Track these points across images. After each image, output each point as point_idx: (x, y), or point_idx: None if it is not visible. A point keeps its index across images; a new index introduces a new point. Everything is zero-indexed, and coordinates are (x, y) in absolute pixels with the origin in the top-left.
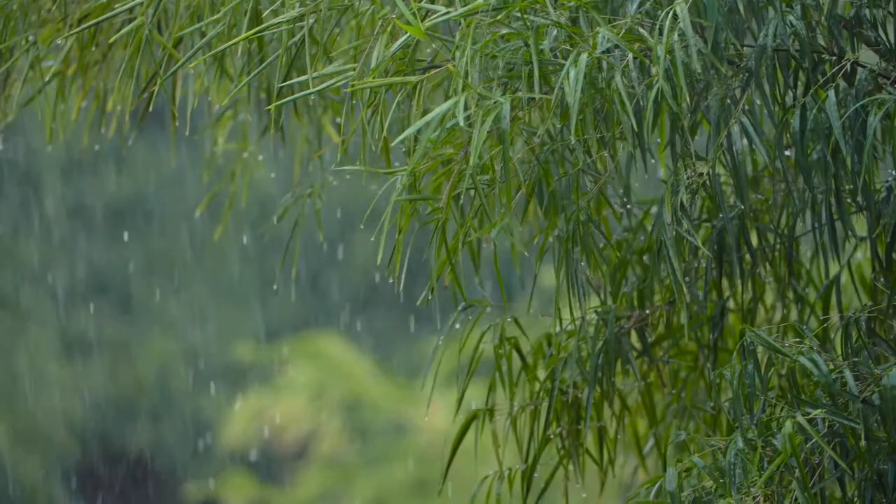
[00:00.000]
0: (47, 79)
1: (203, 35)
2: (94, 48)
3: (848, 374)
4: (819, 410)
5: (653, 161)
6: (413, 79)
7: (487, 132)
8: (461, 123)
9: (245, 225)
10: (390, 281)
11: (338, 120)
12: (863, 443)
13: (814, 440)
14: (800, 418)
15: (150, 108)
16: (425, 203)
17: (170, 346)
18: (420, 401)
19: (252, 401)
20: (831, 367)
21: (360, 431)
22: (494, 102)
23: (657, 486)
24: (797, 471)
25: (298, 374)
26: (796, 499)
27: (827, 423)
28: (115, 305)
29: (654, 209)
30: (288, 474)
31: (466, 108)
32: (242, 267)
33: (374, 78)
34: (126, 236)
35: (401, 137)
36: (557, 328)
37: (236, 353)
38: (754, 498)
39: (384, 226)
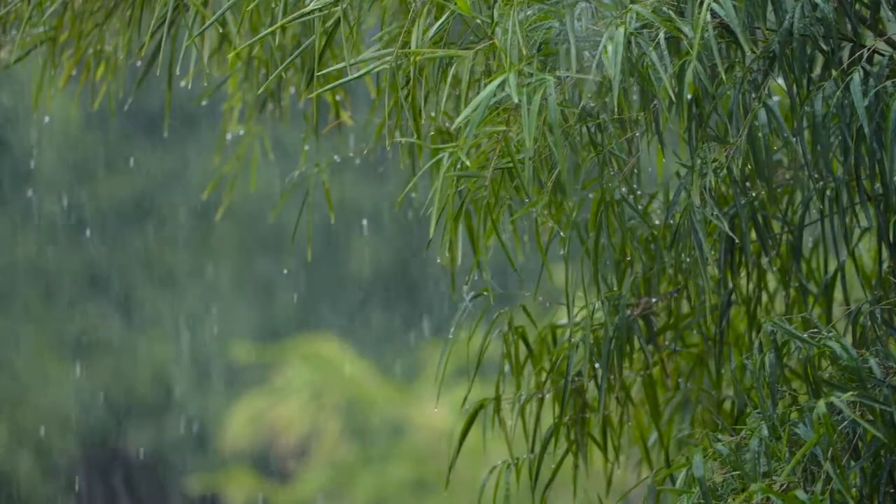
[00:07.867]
0: (36, 32)
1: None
2: (90, 14)
3: (872, 361)
4: (850, 393)
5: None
6: (465, 52)
7: (538, 108)
8: (515, 100)
9: (246, 223)
10: (438, 261)
11: (338, 97)
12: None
13: (844, 423)
14: (835, 399)
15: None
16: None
17: (169, 346)
18: (418, 400)
19: (251, 401)
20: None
21: (359, 431)
22: (539, 80)
23: (684, 473)
24: (831, 450)
25: (296, 375)
26: (830, 482)
27: (858, 407)
28: (114, 305)
29: (658, 199)
30: (288, 474)
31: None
32: (242, 266)
33: (414, 59)
34: (126, 235)
35: (463, 115)
36: (567, 317)
37: (235, 353)
38: (781, 485)
39: (436, 196)
